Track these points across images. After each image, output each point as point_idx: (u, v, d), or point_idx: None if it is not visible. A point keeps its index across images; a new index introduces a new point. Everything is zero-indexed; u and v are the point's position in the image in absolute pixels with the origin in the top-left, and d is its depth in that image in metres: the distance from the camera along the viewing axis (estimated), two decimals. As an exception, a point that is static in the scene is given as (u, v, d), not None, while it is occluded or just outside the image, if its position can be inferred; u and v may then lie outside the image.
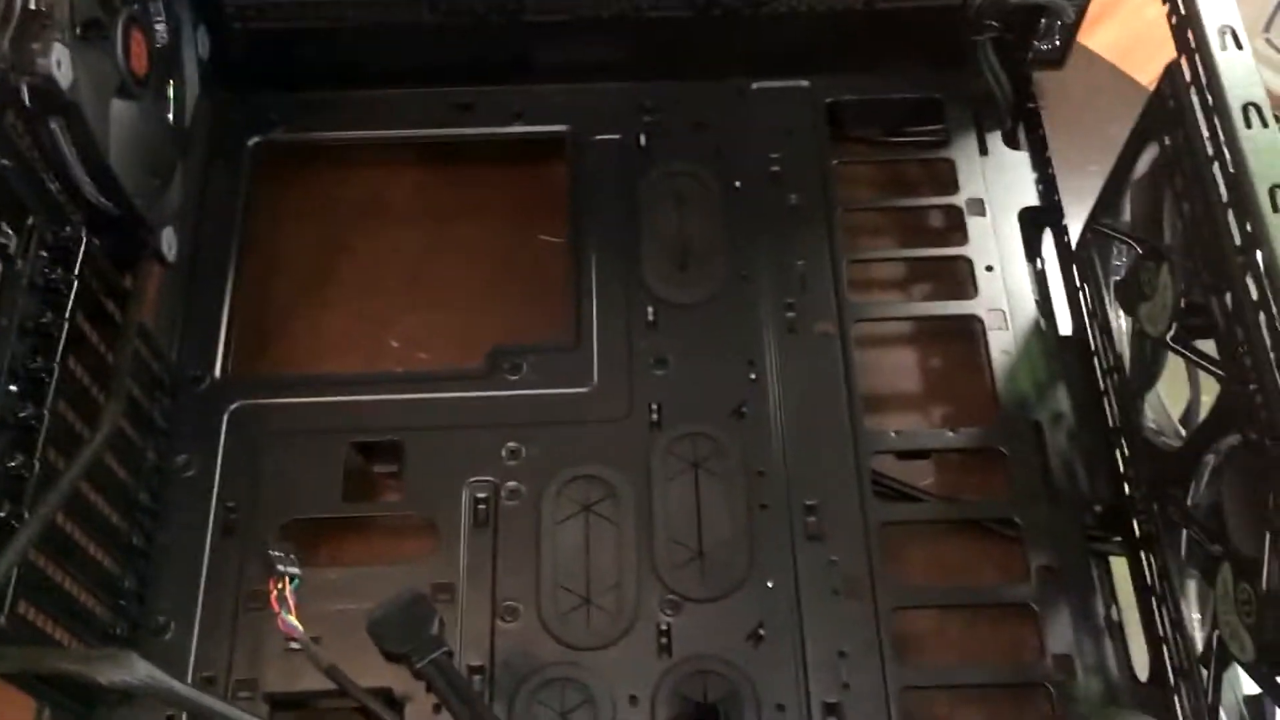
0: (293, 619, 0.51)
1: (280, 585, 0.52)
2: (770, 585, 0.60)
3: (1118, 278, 0.63)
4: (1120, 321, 0.62)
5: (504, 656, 0.59)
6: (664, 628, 0.59)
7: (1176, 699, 0.56)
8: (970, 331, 0.68)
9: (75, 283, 0.54)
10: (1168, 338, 0.55)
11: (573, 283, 0.69)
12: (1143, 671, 0.59)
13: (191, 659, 0.59)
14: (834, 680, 0.58)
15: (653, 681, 0.58)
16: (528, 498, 0.63)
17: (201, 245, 0.70)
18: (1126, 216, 0.61)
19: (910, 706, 0.57)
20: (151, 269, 0.61)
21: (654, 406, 0.65)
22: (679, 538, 0.61)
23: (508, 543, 0.61)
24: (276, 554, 0.53)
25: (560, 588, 0.60)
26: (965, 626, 0.62)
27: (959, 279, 0.70)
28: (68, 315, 0.53)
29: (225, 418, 0.65)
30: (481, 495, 0.63)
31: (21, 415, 0.50)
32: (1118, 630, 0.60)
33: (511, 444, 0.64)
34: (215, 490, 0.63)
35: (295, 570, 0.52)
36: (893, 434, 0.65)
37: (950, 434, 0.65)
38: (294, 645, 0.57)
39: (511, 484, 0.63)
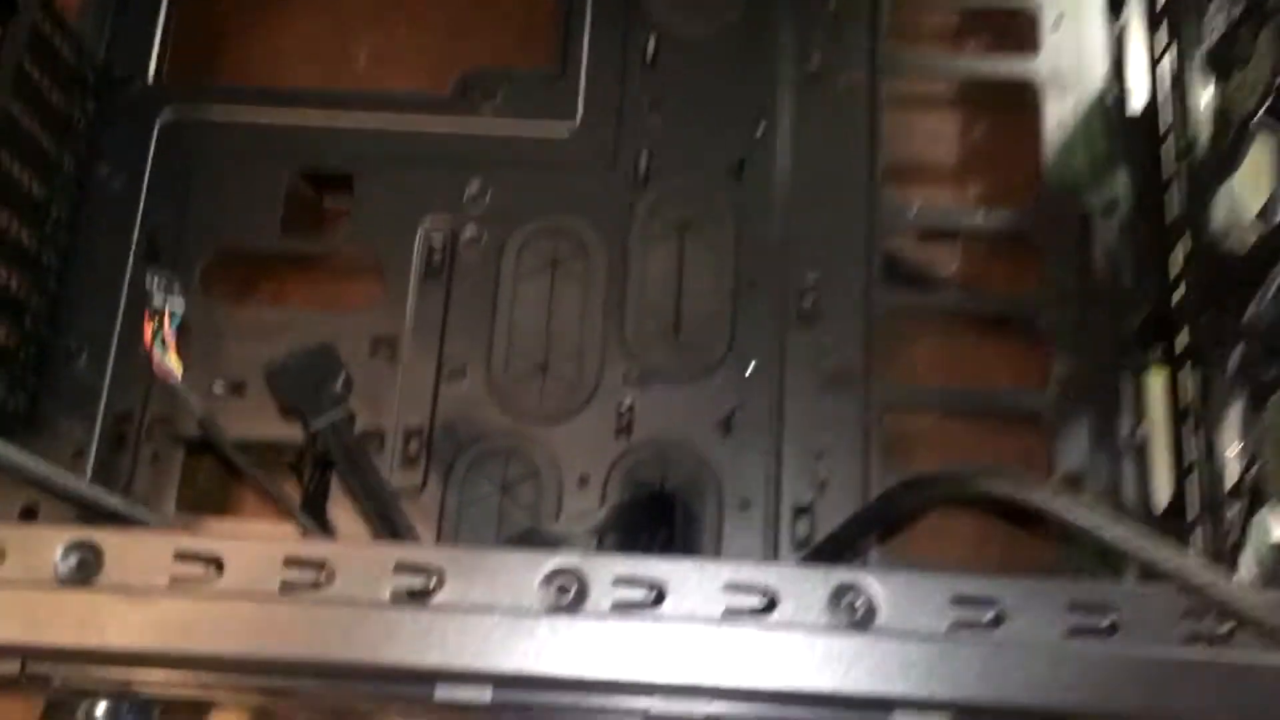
0: (171, 360, 0.45)
1: (158, 321, 0.45)
2: (750, 370, 0.53)
3: (1210, 44, 0.52)
4: (1203, 98, 0.52)
5: (445, 420, 0.53)
6: (626, 405, 0.53)
7: (1194, 536, 0.50)
8: (1023, 98, 0.58)
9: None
10: (1256, 117, 0.46)
11: (563, 1, 0.59)
12: (1160, 502, 0.52)
13: (105, 391, 0.53)
14: (810, 480, 0.52)
15: (607, 462, 0.52)
16: (488, 247, 0.55)
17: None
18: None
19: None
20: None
21: (642, 155, 0.56)
22: (654, 308, 0.54)
23: (461, 295, 0.55)
24: (156, 283, 0.46)
25: (515, 351, 0.54)
26: (966, 436, 0.55)
27: (1020, 34, 0.60)
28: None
29: (156, 128, 0.57)
30: (437, 239, 0.55)
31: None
32: (1139, 454, 0.52)
33: (475, 184, 0.56)
34: (140, 208, 0.56)
35: (178, 304, 0.46)
36: (915, 210, 0.56)
37: (982, 216, 0.56)
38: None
39: (471, 230, 0.55)
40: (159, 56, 0.59)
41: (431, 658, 0.29)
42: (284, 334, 0.54)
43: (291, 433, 0.51)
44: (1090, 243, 0.55)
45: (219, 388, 0.53)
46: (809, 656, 0.29)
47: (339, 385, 0.45)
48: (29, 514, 0.50)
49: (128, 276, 0.55)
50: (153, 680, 0.34)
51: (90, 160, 0.56)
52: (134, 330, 0.53)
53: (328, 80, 0.60)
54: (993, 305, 0.56)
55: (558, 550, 0.30)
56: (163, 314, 0.45)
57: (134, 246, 0.55)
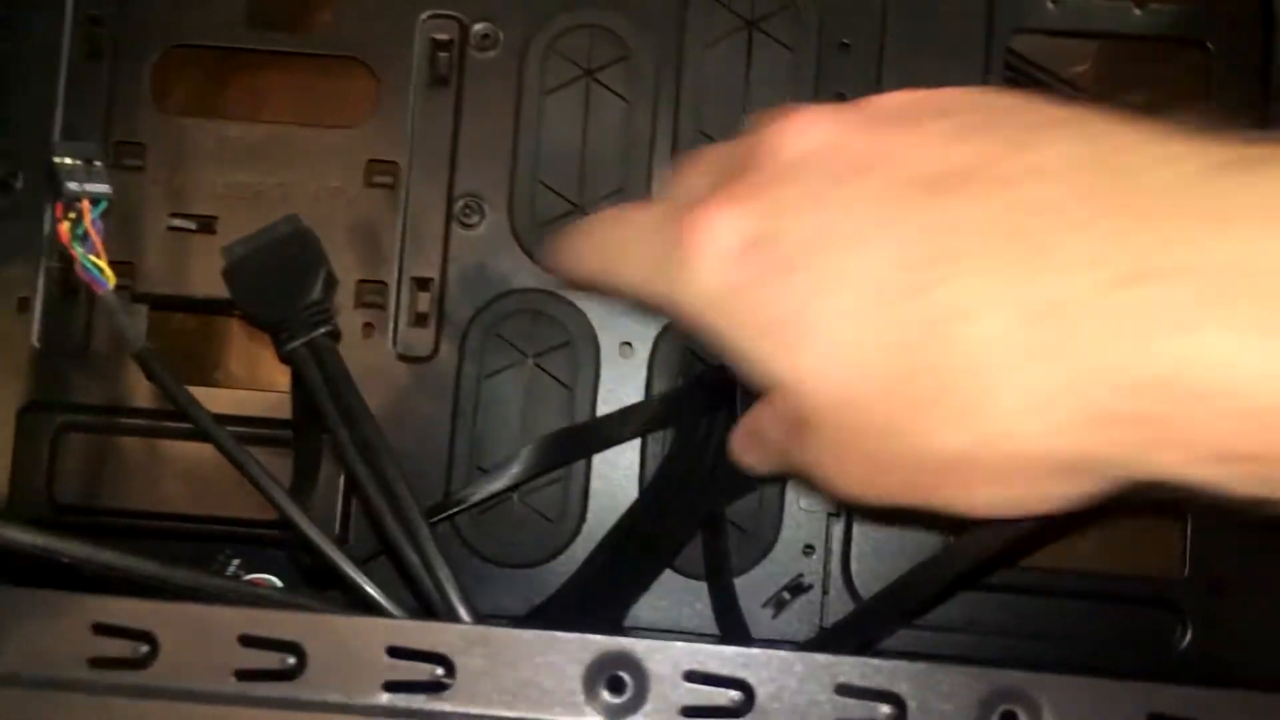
0: (96, 264, 0.35)
1: (75, 212, 0.35)
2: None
3: None
4: None
5: (458, 270, 0.44)
6: (678, 255, 0.43)
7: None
8: None
9: None
10: None
11: None
12: None
13: (46, 223, 0.44)
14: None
15: (655, 325, 0.43)
16: (507, 50, 0.44)
17: None
18: None
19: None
20: None
21: (702, -75, 0.44)
22: (713, 130, 0.43)
23: (474, 112, 0.44)
24: (64, 152, 0.35)
25: (542, 184, 0.44)
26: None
27: None
28: None
29: (82, -116, 0.45)
30: (442, 38, 0.44)
31: None
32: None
33: (489, -34, 0.44)
34: (70, -6, 0.44)
35: (101, 187, 0.35)
36: (1050, 4, 0.44)
37: (1137, 12, 0.44)
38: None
39: (483, 26, 0.44)
40: None
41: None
42: (258, 155, 0.44)
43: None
44: (1272, 45, 0.44)
45: (183, 223, 0.44)
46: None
47: (318, 288, 0.35)
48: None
49: (62, 82, 0.44)
50: None
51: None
52: (76, 153, 0.44)
53: None
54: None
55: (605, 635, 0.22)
56: (81, 202, 0.35)
57: (68, 43, 0.44)
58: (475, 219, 0.44)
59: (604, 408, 0.43)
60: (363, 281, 0.43)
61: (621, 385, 0.43)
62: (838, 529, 0.42)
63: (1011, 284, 0.23)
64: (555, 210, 0.43)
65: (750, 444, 0.33)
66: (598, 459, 0.42)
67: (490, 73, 0.44)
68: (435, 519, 0.39)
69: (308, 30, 0.46)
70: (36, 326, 0.44)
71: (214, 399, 0.42)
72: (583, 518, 0.42)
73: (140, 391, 0.43)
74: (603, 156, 0.43)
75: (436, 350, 0.43)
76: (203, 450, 0.43)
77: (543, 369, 0.43)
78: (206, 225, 0.44)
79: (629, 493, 0.42)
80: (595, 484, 0.43)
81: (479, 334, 0.43)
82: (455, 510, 0.41)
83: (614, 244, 0.32)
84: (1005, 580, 0.41)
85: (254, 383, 0.46)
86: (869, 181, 0.26)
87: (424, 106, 0.44)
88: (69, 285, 0.44)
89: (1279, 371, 0.21)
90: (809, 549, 0.42)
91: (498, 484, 0.41)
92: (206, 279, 0.43)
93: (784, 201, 0.26)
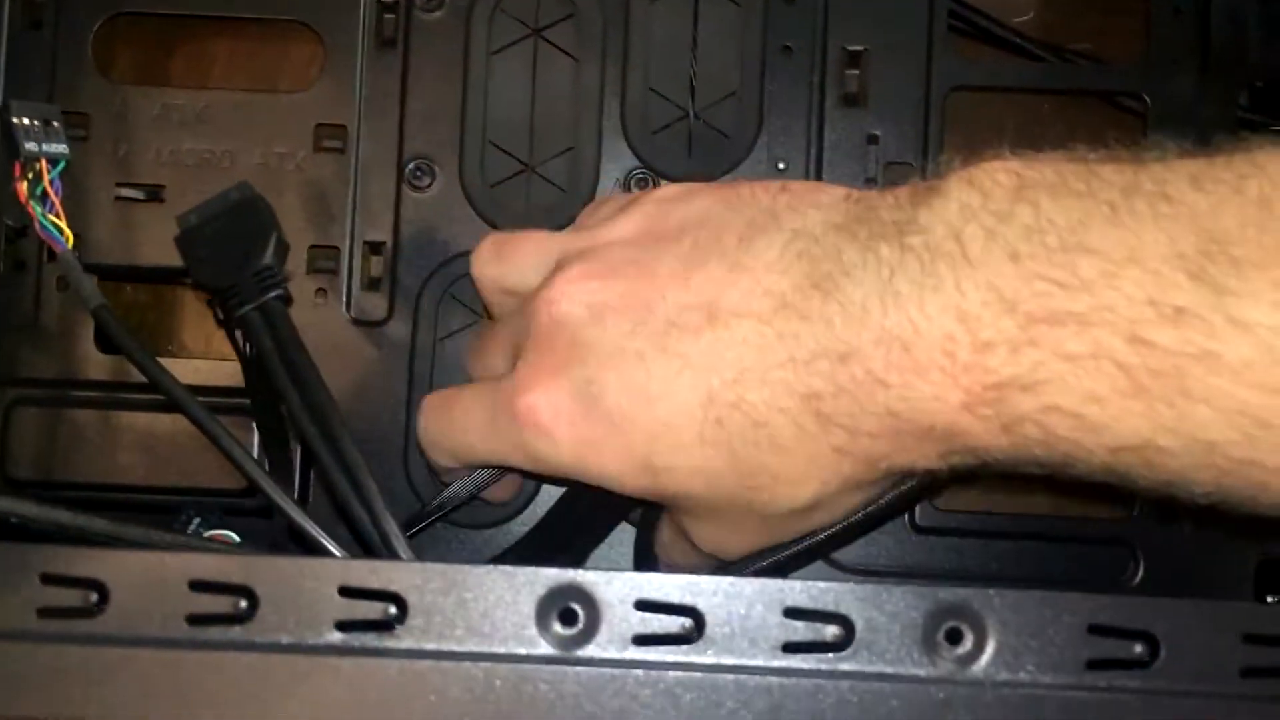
0: (55, 224, 0.35)
1: (33, 171, 0.34)
2: (782, 167, 0.43)
3: None
4: None
5: (410, 234, 0.43)
6: (630, 212, 0.43)
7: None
8: None
9: None
10: None
11: None
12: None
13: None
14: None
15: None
16: (453, 10, 0.44)
17: None
18: None
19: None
20: None
21: (646, -121, 0.44)
22: (662, 87, 0.43)
23: (422, 73, 0.44)
24: (21, 113, 0.35)
25: (492, 145, 0.43)
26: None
27: None
28: None
29: None
30: (388, 0, 0.44)
31: None
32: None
33: (433, -77, 0.44)
34: (7, -41, 0.44)
35: (59, 147, 0.35)
36: (991, -49, 0.44)
37: (1076, -40, 0.44)
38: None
39: (429, -14, 0.44)
40: None
41: (392, 721, 0.22)
42: (204, 122, 0.44)
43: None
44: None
45: (130, 192, 0.43)
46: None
47: (268, 253, 0.35)
48: None
49: (3, 51, 0.44)
50: None
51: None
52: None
53: None
54: (1084, 77, 0.45)
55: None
56: (39, 162, 0.34)
57: (6, 11, 0.44)
58: (426, 181, 0.44)
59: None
60: (315, 247, 0.43)
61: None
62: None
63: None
64: (506, 170, 0.43)
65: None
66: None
67: (437, 33, 0.44)
68: (412, 531, 0.39)
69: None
70: (-14, 301, 0.43)
71: (170, 369, 0.42)
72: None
73: (92, 364, 0.43)
74: (552, 116, 0.43)
75: (391, 314, 0.43)
76: (157, 420, 0.43)
77: (497, 332, 0.43)
78: (154, 194, 0.43)
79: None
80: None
81: (433, 296, 0.43)
82: (428, 521, 0.40)
83: (454, 427, 0.36)
84: (958, 524, 0.42)
85: (208, 353, 0.46)
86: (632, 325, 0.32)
87: (371, 69, 0.44)
88: (17, 259, 0.43)
89: None
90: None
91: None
92: (156, 248, 0.43)
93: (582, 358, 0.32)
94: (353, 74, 0.44)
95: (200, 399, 0.40)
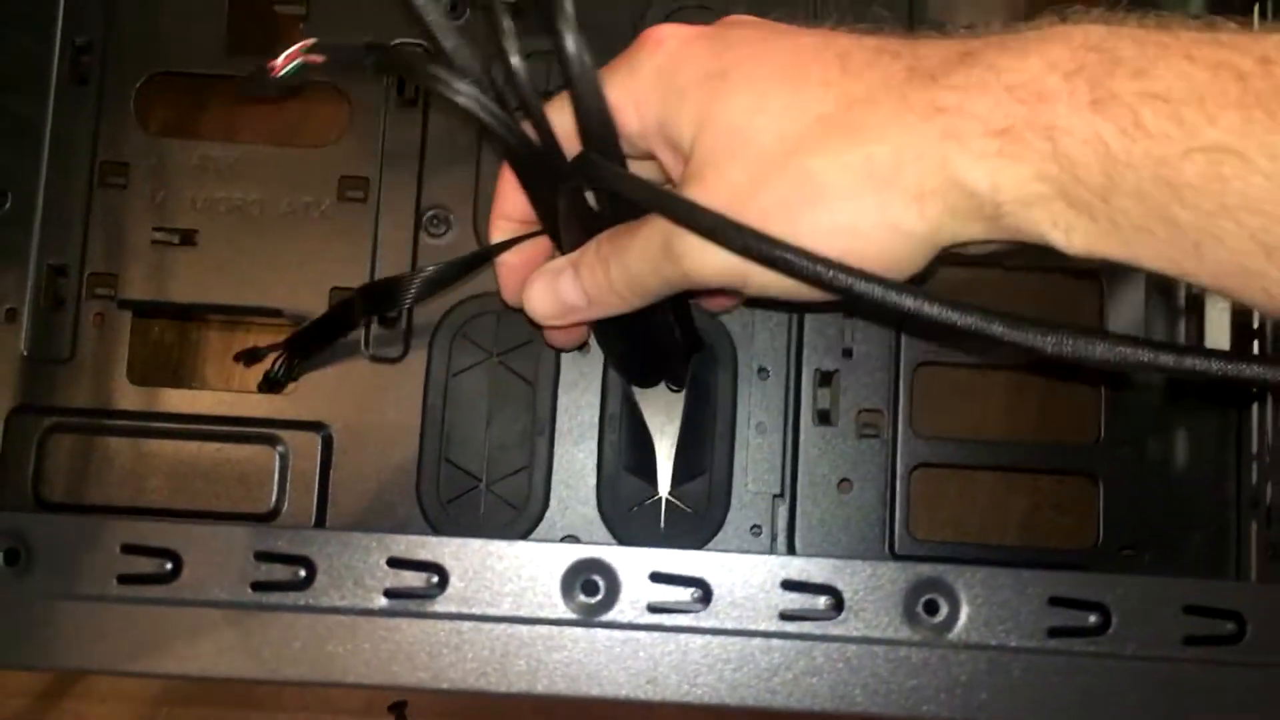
0: None
1: None
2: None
3: None
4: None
5: (427, 277, 0.47)
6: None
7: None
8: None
9: None
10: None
11: None
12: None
13: (34, 241, 0.46)
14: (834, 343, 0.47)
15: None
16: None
17: None
18: None
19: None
20: None
21: (648, -41, 0.48)
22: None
23: (440, 131, 0.47)
24: None
25: (504, 196, 0.47)
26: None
27: None
28: None
29: (72, -78, 0.48)
30: (410, 63, 0.47)
31: None
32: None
33: (452, -7, 0.48)
34: (59, 23, 0.47)
35: None
36: None
37: None
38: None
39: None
40: None
41: (427, 677, 0.24)
42: (237, 173, 0.47)
43: (256, 295, 0.45)
44: None
45: (166, 236, 0.46)
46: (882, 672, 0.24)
47: None
48: None
49: (51, 104, 0.47)
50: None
51: (-6, -37, 0.47)
52: (66, 171, 0.47)
53: None
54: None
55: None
56: None
57: (55, 68, 0.47)
58: (442, 229, 0.47)
59: (564, 400, 0.46)
60: (336, 288, 0.46)
61: (581, 380, 0.46)
62: (783, 509, 0.45)
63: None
64: (517, 219, 0.47)
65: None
66: (559, 449, 0.45)
67: (455, 95, 0.47)
68: None
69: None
70: (24, 335, 0.46)
71: (195, 400, 0.46)
72: (546, 503, 0.45)
73: (124, 395, 0.46)
74: (560, 170, 0.47)
75: (406, 352, 0.46)
76: (184, 448, 0.46)
77: (507, 366, 0.46)
78: (188, 239, 0.47)
79: (590, 480, 0.45)
80: (557, 474, 0.45)
81: (446, 336, 0.46)
82: None
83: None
84: (931, 552, 0.45)
85: (229, 386, 0.49)
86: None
87: (393, 125, 0.47)
88: (58, 297, 0.46)
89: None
90: (756, 529, 0.45)
91: None
92: (188, 287, 0.46)
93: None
94: (376, 131, 0.47)
95: (223, 426, 0.44)
